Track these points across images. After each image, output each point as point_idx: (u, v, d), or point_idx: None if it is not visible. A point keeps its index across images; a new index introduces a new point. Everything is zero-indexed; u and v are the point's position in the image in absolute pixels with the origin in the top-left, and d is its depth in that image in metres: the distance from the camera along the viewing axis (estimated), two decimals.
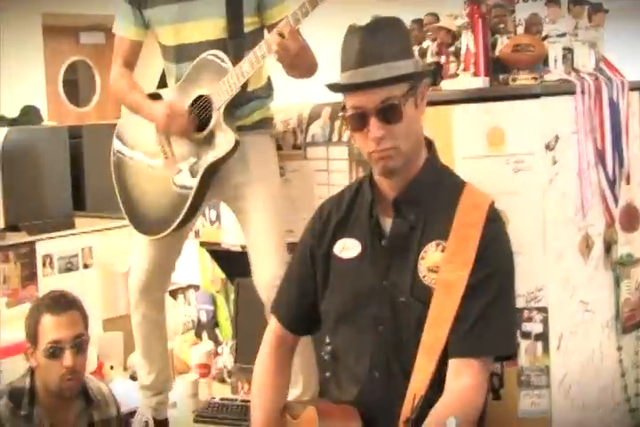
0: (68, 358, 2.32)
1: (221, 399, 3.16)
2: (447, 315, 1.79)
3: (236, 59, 2.59)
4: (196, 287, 3.64)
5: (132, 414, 2.95)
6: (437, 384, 1.79)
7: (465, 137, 2.44)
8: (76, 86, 7.29)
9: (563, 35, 2.51)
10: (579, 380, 2.41)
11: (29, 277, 3.35)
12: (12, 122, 4.80)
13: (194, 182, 2.69)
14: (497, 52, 2.55)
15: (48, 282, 3.39)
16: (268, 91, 2.87)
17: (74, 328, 2.37)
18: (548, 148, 2.37)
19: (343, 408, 1.95)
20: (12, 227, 3.99)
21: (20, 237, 3.66)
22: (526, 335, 2.36)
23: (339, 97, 3.06)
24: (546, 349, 2.36)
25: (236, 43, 2.65)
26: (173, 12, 2.68)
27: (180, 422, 3.05)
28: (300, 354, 2.34)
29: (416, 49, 2.60)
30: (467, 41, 2.56)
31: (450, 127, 2.44)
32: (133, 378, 3.37)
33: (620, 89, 2.52)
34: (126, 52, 2.84)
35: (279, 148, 3.01)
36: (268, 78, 2.87)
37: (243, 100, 2.70)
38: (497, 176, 2.36)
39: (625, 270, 2.55)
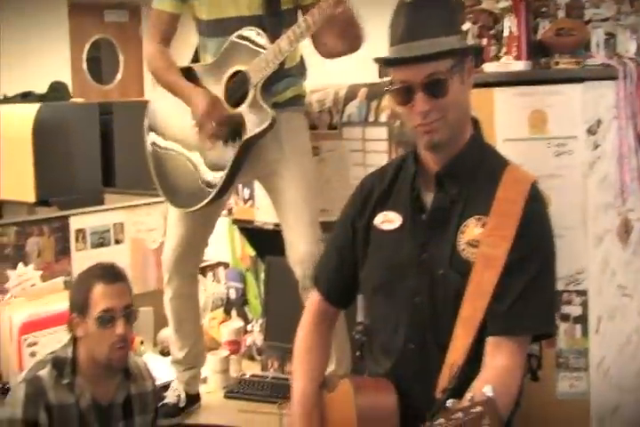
0: (120, 327, 2.34)
1: (252, 376, 3.21)
2: (487, 288, 1.81)
3: (273, 36, 2.60)
4: (226, 265, 3.66)
5: (162, 389, 2.98)
6: (474, 359, 1.81)
7: (507, 119, 2.44)
8: (99, 64, 7.30)
9: (605, 19, 2.52)
10: (616, 362, 2.42)
11: (62, 251, 3.37)
12: (41, 98, 4.84)
13: (229, 158, 2.69)
14: (538, 36, 2.56)
15: (81, 256, 3.40)
16: (301, 69, 2.87)
17: (124, 298, 2.38)
18: (590, 132, 2.38)
19: (378, 381, 1.97)
20: (42, 202, 4.05)
21: (52, 212, 3.70)
22: (565, 318, 2.38)
23: (374, 79, 3.10)
24: (584, 331, 2.38)
25: (274, 20, 2.66)
26: None
27: (210, 397, 3.08)
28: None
29: None
30: (509, 24, 2.57)
31: (492, 110, 2.45)
32: (163, 354, 3.41)
33: None
34: (164, 25, 2.83)
35: (314, 127, 3.03)
36: (301, 58, 2.87)
37: (278, 77, 2.70)
38: (538, 159, 2.37)
39: None
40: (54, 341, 2.99)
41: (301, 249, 2.72)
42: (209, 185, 2.74)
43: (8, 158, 4.14)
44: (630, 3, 2.61)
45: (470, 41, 2.66)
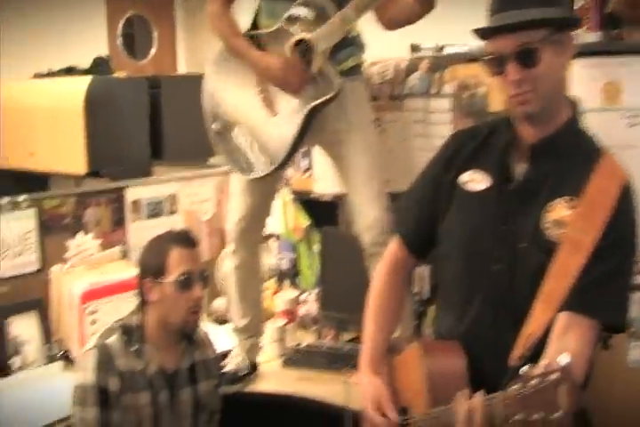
0: (197, 290, 2.36)
1: (308, 346, 3.24)
2: (571, 270, 1.80)
3: (340, 4, 2.59)
4: (277, 236, 3.69)
5: (221, 357, 3.00)
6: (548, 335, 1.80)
7: (580, 91, 2.45)
8: (132, 40, 7.33)
9: None
10: None
11: (118, 222, 3.41)
12: (85, 72, 4.86)
13: (295, 125, 2.69)
14: (609, 8, 2.57)
15: (136, 227, 3.44)
16: (361, 40, 2.87)
17: (200, 262, 2.41)
18: None
19: (448, 344, 1.97)
20: (92, 173, 4.08)
21: (103, 184, 3.73)
22: (637, 287, 2.38)
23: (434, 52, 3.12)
24: None
25: None
26: None
27: (268, 366, 3.11)
28: None
29: None
30: None
31: (566, 81, 2.46)
32: (218, 322, 3.46)
33: None
34: None
35: (375, 99, 3.04)
36: (358, 33, 2.86)
37: (342, 46, 2.70)
38: (612, 130, 2.38)
39: None
40: (113, 309, 3.04)
41: (371, 215, 2.72)
42: (275, 153, 2.75)
43: (58, 130, 4.17)
44: None
45: None
